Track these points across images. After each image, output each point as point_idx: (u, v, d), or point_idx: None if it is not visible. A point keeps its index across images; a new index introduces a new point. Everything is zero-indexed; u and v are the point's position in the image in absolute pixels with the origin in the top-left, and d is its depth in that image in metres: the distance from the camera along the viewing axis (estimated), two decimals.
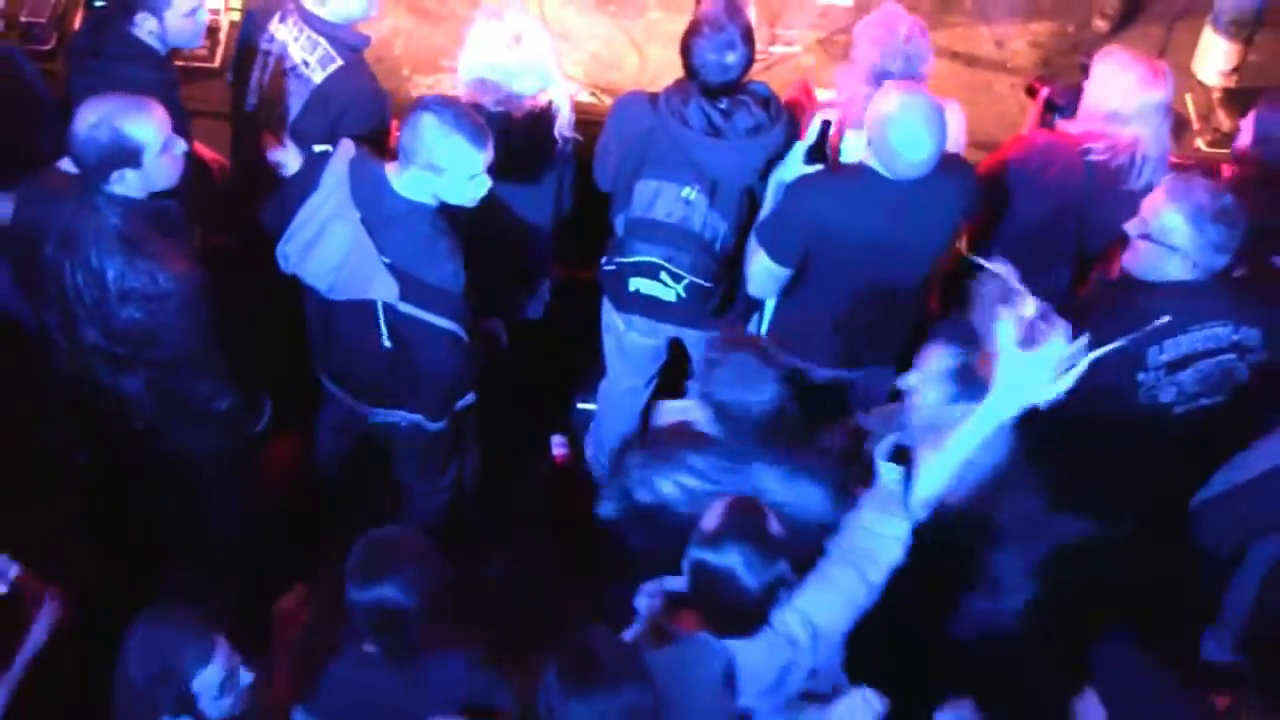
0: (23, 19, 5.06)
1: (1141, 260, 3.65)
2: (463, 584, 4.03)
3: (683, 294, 4.10)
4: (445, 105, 3.58)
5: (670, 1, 5.48)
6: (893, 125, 3.71)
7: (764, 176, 4.04)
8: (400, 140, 3.61)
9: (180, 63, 4.38)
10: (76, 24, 5.02)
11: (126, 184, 3.56)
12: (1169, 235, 3.56)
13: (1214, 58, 5.33)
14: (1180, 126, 4.91)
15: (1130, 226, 3.65)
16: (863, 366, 4.23)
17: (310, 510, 4.56)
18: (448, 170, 3.56)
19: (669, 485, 3.38)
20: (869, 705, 3.00)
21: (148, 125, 3.51)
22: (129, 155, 3.51)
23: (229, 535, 4.31)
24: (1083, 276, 4.25)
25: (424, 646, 3.13)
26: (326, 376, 4.16)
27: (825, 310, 4.07)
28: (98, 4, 4.31)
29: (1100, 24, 5.65)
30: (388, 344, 3.74)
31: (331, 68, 4.08)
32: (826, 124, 4.00)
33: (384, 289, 3.64)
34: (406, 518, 4.40)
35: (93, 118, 3.49)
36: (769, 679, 3.01)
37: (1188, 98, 5.31)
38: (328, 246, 3.69)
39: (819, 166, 3.97)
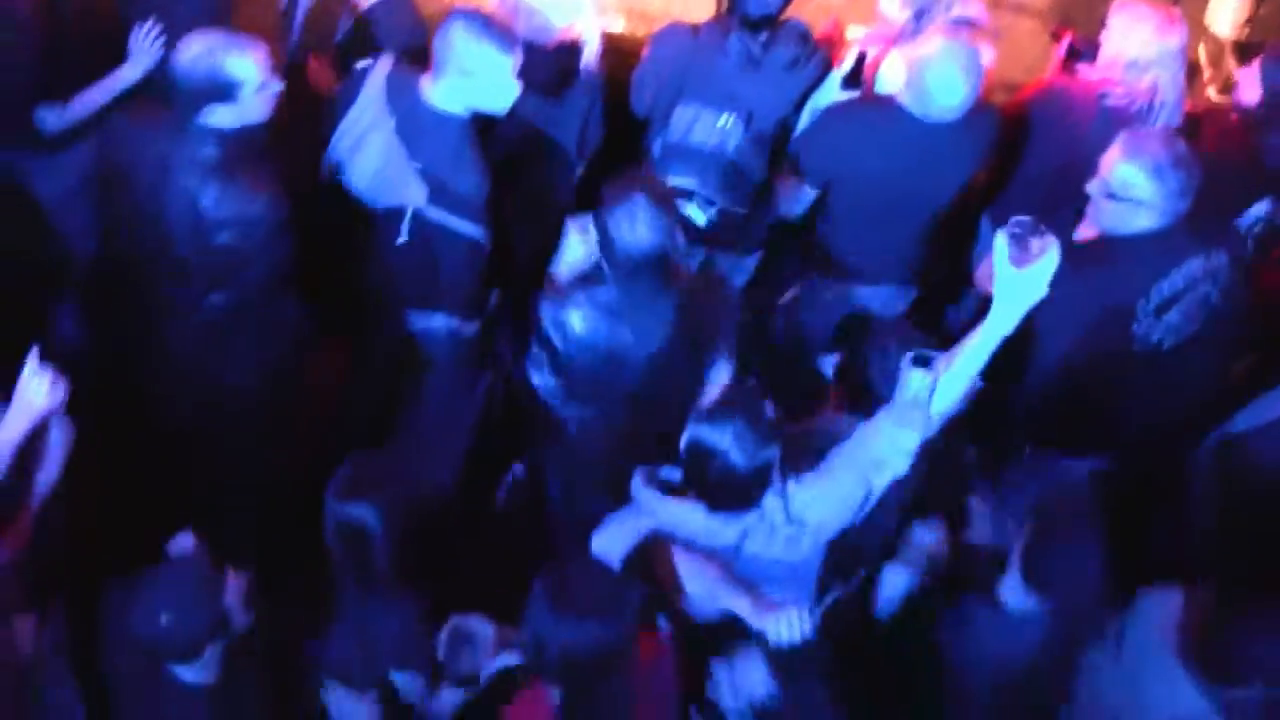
0: None
1: (1108, 217, 3.64)
2: (482, 502, 4.23)
3: (715, 219, 4.22)
4: (474, 13, 3.68)
5: None
6: (930, 68, 3.83)
7: (798, 110, 4.17)
8: (433, 51, 3.70)
9: None
10: None
11: (220, 117, 3.55)
12: (1132, 190, 3.55)
13: (1227, 9, 5.43)
14: (1192, 75, 5.01)
15: (1092, 187, 3.64)
16: (878, 285, 4.31)
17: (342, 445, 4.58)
18: (477, 74, 3.66)
19: (577, 318, 3.45)
20: (801, 623, 2.94)
21: (249, 63, 3.52)
22: (227, 90, 3.51)
23: (260, 479, 4.20)
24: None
25: (390, 580, 3.09)
26: (369, 282, 4.23)
27: (842, 230, 4.20)
28: None
29: None
30: (404, 240, 3.78)
31: None
32: (863, 54, 4.15)
33: (415, 194, 3.74)
34: (437, 445, 4.42)
35: (197, 49, 3.50)
36: (727, 553, 3.08)
37: (1200, 48, 5.40)
38: (367, 153, 3.80)
39: (856, 92, 4.11)
